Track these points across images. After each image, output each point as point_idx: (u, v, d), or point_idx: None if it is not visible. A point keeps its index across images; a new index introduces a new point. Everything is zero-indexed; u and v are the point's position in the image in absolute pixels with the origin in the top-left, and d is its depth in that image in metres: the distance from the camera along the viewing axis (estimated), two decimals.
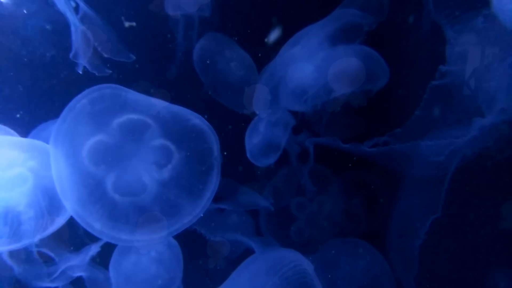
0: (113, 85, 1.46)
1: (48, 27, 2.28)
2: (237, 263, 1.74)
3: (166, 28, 2.25)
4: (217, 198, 1.50)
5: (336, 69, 2.17)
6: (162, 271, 1.82)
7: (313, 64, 2.20)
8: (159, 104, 1.51)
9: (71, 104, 1.44)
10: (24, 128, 2.21)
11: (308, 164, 2.37)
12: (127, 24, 2.12)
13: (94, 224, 1.38)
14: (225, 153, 2.31)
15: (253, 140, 2.33)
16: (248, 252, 1.79)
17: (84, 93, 1.44)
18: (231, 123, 2.40)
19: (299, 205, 2.44)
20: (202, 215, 1.48)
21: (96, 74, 1.98)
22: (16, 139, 1.51)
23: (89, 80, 2.39)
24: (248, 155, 2.32)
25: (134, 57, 1.98)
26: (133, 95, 1.49)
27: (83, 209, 1.38)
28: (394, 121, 2.08)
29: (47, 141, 2.34)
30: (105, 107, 1.44)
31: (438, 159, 1.90)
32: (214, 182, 1.51)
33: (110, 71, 1.99)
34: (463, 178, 1.92)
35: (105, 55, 1.96)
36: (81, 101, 1.43)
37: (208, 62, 2.27)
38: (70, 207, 1.36)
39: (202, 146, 1.52)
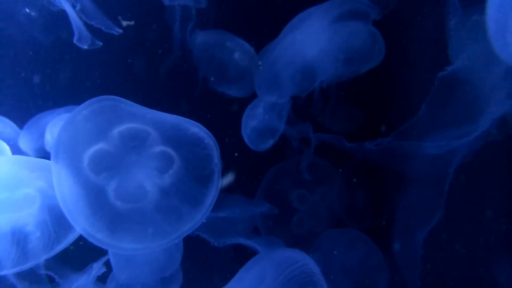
0: (113, 97, 1.56)
1: (34, 13, 2.34)
2: (241, 263, 1.87)
3: (163, 21, 2.31)
4: (216, 208, 1.62)
5: (341, 50, 2.25)
6: (160, 252, 1.95)
7: (316, 47, 2.26)
8: (158, 115, 1.61)
9: (70, 115, 1.53)
10: (22, 118, 2.33)
11: (307, 154, 2.47)
12: (124, 23, 2.18)
13: (96, 234, 1.49)
14: (236, 154, 2.43)
15: (252, 122, 2.43)
16: (251, 252, 1.91)
17: (83, 105, 1.54)
18: (230, 118, 2.50)
19: (300, 197, 2.56)
20: (204, 220, 1.60)
21: (87, 47, 2.06)
22: (26, 158, 1.62)
23: (87, 70, 2.49)
24: (245, 138, 2.42)
25: (120, 30, 2.05)
26: (132, 107, 1.59)
27: (84, 219, 1.49)
28: (398, 118, 2.16)
29: (43, 131, 2.46)
30: (105, 118, 1.54)
31: (442, 158, 1.99)
32: (215, 188, 1.63)
33: (101, 43, 2.06)
34: (466, 174, 2.01)
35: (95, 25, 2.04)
36: (81, 113, 1.53)
37: (210, 55, 2.35)
38: (72, 218, 1.47)
39: (202, 152, 1.63)
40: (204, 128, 1.63)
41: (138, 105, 1.61)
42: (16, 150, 2.40)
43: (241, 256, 1.95)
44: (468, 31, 1.91)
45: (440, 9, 1.92)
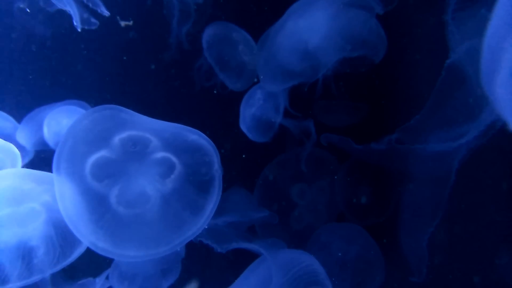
0: (113, 106, 1.63)
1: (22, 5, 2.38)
2: (244, 265, 1.96)
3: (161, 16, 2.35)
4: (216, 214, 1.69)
5: (345, 39, 2.30)
6: None
7: (319, 35, 2.30)
8: (158, 123, 1.67)
9: (71, 125, 1.60)
10: (20, 113, 2.41)
11: (308, 146, 2.53)
12: (123, 23, 2.22)
13: (99, 242, 1.57)
14: (243, 156, 2.49)
15: (251, 110, 2.50)
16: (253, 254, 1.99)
17: (84, 114, 1.61)
18: (228, 113, 2.56)
19: (299, 191, 2.63)
20: (206, 227, 1.69)
21: (86, 27, 2.11)
22: (32, 171, 1.68)
23: (85, 65, 2.54)
24: (244, 129, 2.49)
25: (108, 13, 2.10)
26: (132, 116, 1.66)
27: (87, 227, 1.57)
28: (400, 111, 2.21)
29: (41, 125, 2.54)
30: (105, 127, 1.61)
31: (446, 155, 2.05)
32: (216, 194, 1.70)
33: (98, 23, 2.12)
34: (467, 171, 2.08)
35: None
36: (81, 123, 1.60)
37: (215, 46, 2.40)
38: (75, 227, 1.55)
39: (203, 158, 1.70)
40: (203, 135, 1.70)
41: (138, 114, 1.68)
42: (14, 144, 2.48)
43: (240, 256, 2.03)
44: (471, 26, 1.94)
45: (445, 3, 1.95)
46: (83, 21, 2.09)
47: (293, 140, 2.58)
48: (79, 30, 2.07)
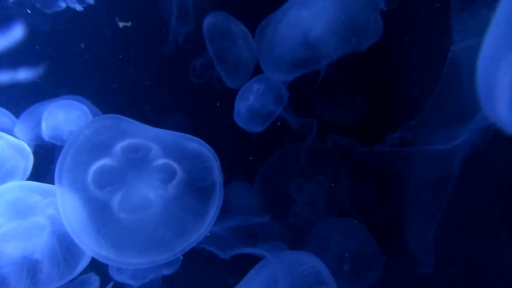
0: (113, 115, 1.66)
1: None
2: (245, 267, 2.02)
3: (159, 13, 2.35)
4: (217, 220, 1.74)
5: (350, 31, 2.31)
6: None
7: (323, 26, 2.32)
8: (158, 131, 1.71)
9: (73, 135, 1.63)
10: (19, 108, 2.44)
11: (308, 142, 2.56)
12: (121, 24, 2.22)
13: (102, 251, 1.62)
14: (243, 151, 2.52)
15: (248, 102, 2.52)
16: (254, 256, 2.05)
17: (85, 124, 1.64)
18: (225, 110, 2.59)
19: (298, 187, 2.67)
20: (208, 234, 1.73)
21: (83, 6, 2.13)
22: (37, 184, 1.72)
23: (83, 62, 2.56)
24: (239, 120, 2.52)
25: None
26: (132, 124, 1.69)
27: (89, 236, 1.61)
28: (404, 113, 2.24)
29: (40, 120, 2.57)
30: (106, 136, 1.65)
31: (448, 154, 2.09)
32: (217, 199, 1.75)
33: (92, 1, 2.14)
34: (470, 168, 2.12)
35: None
36: (82, 133, 1.63)
37: (218, 37, 2.41)
38: (77, 237, 1.59)
39: (203, 164, 1.74)
40: (204, 142, 1.74)
41: (138, 123, 1.71)
42: None
43: (241, 258, 2.09)
44: (472, 24, 1.95)
45: (447, 2, 1.96)
46: (79, 1, 2.10)
47: (293, 135, 2.61)
48: (81, 9, 2.08)
